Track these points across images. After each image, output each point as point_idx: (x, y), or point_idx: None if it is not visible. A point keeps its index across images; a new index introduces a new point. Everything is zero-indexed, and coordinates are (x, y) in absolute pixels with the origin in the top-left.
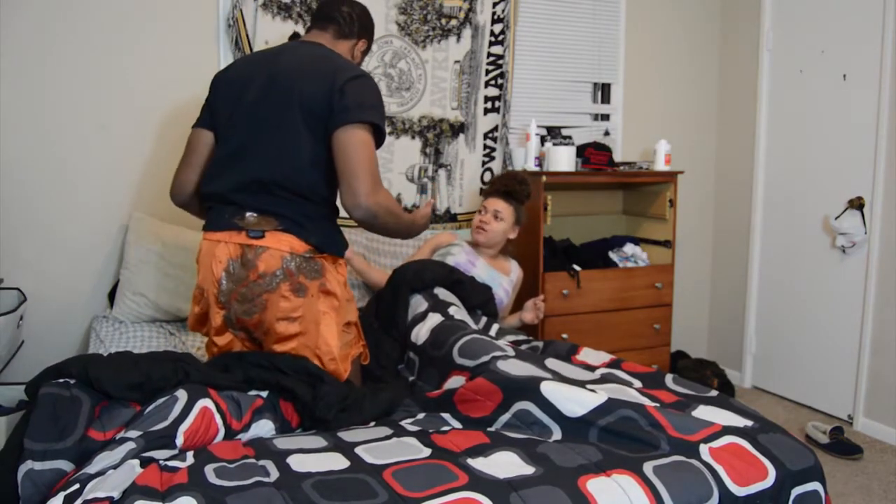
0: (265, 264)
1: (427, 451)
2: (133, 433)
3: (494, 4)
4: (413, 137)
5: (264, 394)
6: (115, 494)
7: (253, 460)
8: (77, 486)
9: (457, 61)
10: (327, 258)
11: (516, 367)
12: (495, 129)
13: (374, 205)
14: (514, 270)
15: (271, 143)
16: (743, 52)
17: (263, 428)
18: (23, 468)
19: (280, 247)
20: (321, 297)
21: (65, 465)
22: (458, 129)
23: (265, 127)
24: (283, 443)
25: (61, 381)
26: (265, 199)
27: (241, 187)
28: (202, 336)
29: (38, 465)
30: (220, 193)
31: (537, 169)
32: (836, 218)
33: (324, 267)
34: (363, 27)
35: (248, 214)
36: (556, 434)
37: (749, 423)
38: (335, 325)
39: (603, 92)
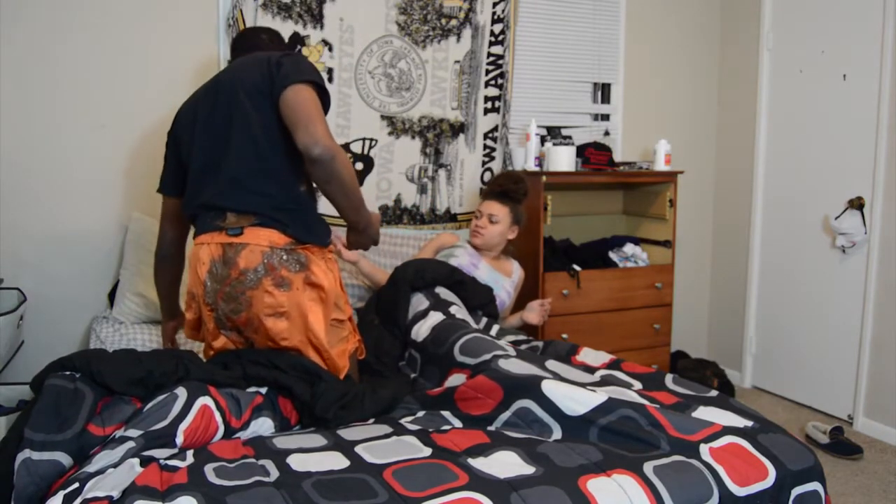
0: (245, 261)
1: (427, 451)
2: (133, 432)
3: (494, 4)
4: (413, 137)
5: (263, 390)
6: (115, 494)
7: (253, 460)
8: (76, 484)
9: (457, 61)
10: (311, 249)
11: (517, 366)
12: (495, 129)
13: (332, 145)
14: (516, 271)
15: (231, 138)
16: (743, 52)
17: (263, 426)
18: (20, 457)
19: (259, 242)
20: (307, 289)
21: (62, 457)
22: (458, 129)
23: (221, 128)
24: (282, 442)
25: (67, 373)
26: (242, 197)
27: (218, 191)
28: (201, 342)
29: (35, 455)
30: (201, 203)
31: (537, 169)
32: (836, 218)
33: (308, 259)
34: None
35: (228, 214)
36: (557, 433)
37: (749, 423)
38: (322, 317)
39: (603, 92)
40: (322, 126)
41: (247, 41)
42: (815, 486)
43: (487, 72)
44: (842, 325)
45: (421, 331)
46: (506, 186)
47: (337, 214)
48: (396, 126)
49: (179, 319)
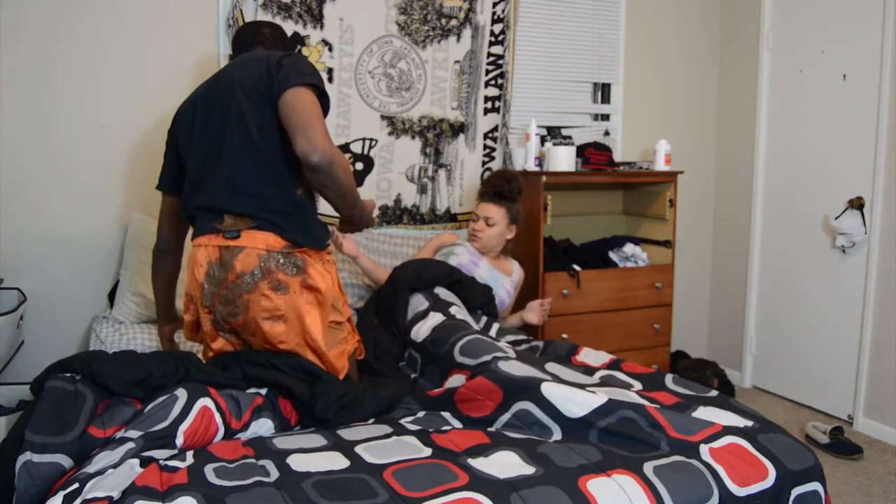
0: (242, 264)
1: (427, 451)
2: (133, 433)
3: (494, 4)
4: (413, 137)
5: (263, 391)
6: (115, 494)
7: (253, 460)
8: (76, 485)
9: (457, 61)
10: (308, 252)
11: (517, 368)
12: (495, 129)
13: (331, 151)
14: (516, 271)
15: (228, 139)
16: (743, 52)
17: (263, 426)
18: (21, 459)
19: (256, 245)
20: (304, 292)
21: (63, 459)
22: (458, 129)
23: (218, 128)
24: (282, 442)
25: (68, 375)
26: (239, 199)
27: (215, 192)
28: (200, 343)
29: (36, 458)
30: (199, 205)
31: (537, 169)
32: (836, 218)
33: (305, 262)
34: (285, 47)
35: (225, 216)
36: (556, 434)
37: (749, 423)
38: (319, 320)
39: (603, 92)
40: (321, 131)
41: (248, 36)
42: (815, 486)
43: (487, 72)
44: (842, 325)
45: (421, 331)
46: (499, 187)
47: (336, 214)
48: (396, 126)
49: (176, 323)
